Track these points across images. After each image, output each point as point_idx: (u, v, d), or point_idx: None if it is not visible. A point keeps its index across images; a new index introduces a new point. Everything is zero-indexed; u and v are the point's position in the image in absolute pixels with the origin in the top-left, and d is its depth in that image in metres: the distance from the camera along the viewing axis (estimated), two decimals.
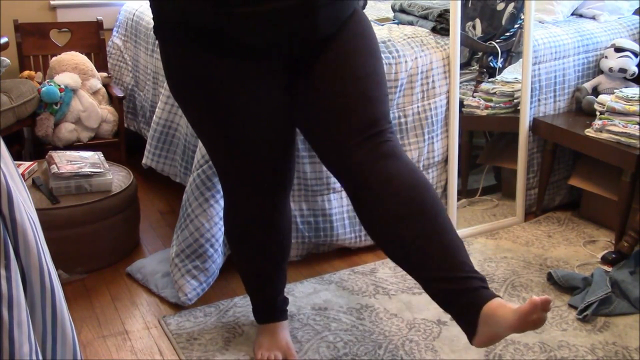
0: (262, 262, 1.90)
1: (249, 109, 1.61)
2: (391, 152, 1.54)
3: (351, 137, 1.55)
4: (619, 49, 2.80)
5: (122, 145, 3.07)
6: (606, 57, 2.83)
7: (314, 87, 1.60)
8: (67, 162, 2.45)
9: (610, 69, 2.79)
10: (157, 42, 2.76)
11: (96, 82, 3.09)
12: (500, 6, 2.78)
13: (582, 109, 2.79)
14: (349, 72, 1.59)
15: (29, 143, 3.10)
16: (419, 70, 2.46)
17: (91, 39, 3.27)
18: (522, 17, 2.70)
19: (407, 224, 1.49)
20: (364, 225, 1.61)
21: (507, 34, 2.76)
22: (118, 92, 3.10)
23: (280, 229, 1.87)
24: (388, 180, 1.51)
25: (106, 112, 3.06)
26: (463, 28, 2.63)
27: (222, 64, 1.54)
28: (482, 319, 1.40)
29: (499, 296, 1.43)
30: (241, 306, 2.18)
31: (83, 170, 2.41)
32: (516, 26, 2.75)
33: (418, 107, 2.48)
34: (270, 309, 1.97)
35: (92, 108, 2.99)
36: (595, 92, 2.81)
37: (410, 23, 2.70)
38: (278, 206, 1.82)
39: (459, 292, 1.45)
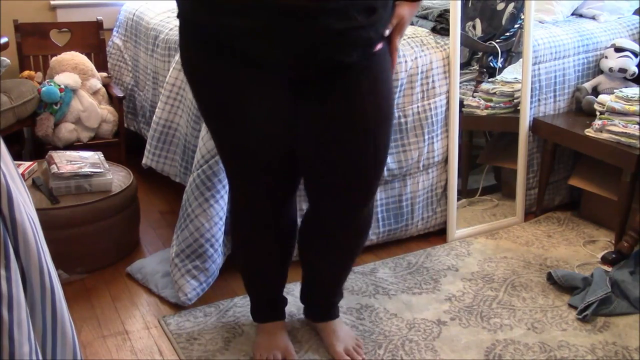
0: (265, 263, 1.90)
1: (252, 114, 1.59)
2: (351, 218, 1.77)
3: (325, 201, 1.75)
4: (619, 49, 2.80)
5: (122, 145, 3.07)
6: (606, 57, 2.83)
7: (313, 133, 1.63)
8: (67, 162, 2.45)
9: (610, 69, 2.79)
10: (156, 42, 2.79)
11: (96, 82, 3.09)
12: (500, 6, 2.78)
13: (582, 109, 2.79)
14: (351, 137, 1.61)
15: (29, 143, 3.10)
16: (419, 70, 2.45)
17: (91, 39, 3.27)
18: (522, 17, 2.70)
19: (324, 274, 1.95)
20: (299, 239, 1.93)
21: (507, 34, 2.76)
22: (118, 92, 3.10)
23: (285, 231, 1.87)
24: (329, 247, 1.86)
25: (106, 112, 3.06)
26: (463, 28, 2.63)
27: (226, 66, 1.54)
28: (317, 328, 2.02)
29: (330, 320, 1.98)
30: (241, 306, 2.18)
31: (83, 170, 2.41)
32: (516, 26, 2.75)
33: (418, 107, 2.48)
34: (270, 308, 1.98)
35: (92, 108, 2.99)
36: (595, 92, 2.81)
37: (410, 23, 2.70)
38: (284, 209, 1.82)
39: (317, 304, 2.02)
